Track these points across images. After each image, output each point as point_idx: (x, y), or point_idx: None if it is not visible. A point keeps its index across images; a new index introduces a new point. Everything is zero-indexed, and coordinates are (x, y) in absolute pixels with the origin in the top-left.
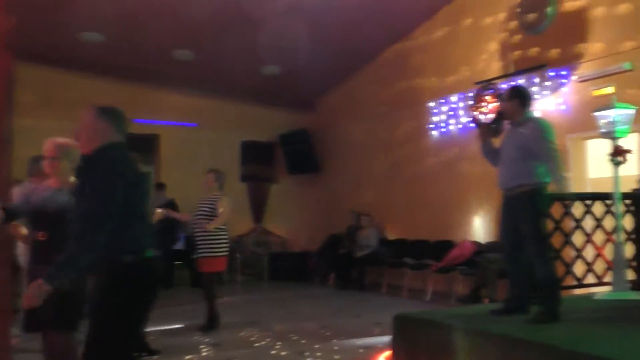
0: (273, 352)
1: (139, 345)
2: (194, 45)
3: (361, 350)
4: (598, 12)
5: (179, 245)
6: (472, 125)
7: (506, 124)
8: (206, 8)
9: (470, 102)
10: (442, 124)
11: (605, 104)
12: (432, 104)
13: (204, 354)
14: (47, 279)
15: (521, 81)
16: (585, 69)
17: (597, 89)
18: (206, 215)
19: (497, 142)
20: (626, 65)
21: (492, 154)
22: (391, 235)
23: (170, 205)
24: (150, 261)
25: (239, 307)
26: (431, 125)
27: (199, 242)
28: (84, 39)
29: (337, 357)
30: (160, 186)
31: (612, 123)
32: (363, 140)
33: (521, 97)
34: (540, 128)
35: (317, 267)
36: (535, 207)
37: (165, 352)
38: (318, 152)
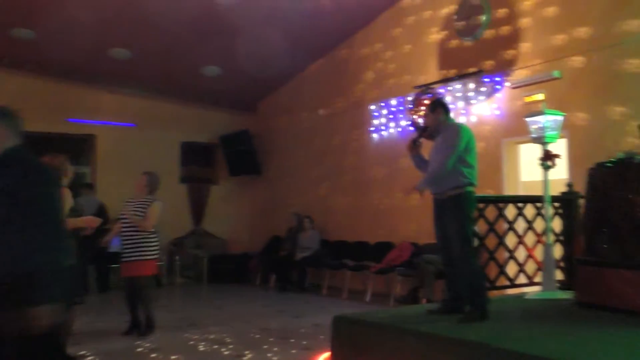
0: (212, 355)
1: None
2: (132, 44)
3: (301, 352)
4: (529, 20)
5: (115, 248)
6: (411, 128)
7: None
8: (144, 6)
9: (410, 106)
10: (383, 127)
11: (536, 110)
12: (372, 107)
13: (142, 359)
14: None
15: (458, 86)
16: (518, 75)
17: (529, 96)
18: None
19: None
20: (555, 73)
21: (422, 164)
22: (332, 237)
23: (100, 208)
24: (62, 270)
25: (178, 310)
26: (371, 129)
27: (126, 246)
28: (14, 35)
29: (276, 358)
30: (89, 187)
31: (542, 128)
32: (304, 142)
33: (442, 107)
34: (453, 131)
35: (257, 269)
36: (460, 210)
37: (104, 357)
38: (259, 154)
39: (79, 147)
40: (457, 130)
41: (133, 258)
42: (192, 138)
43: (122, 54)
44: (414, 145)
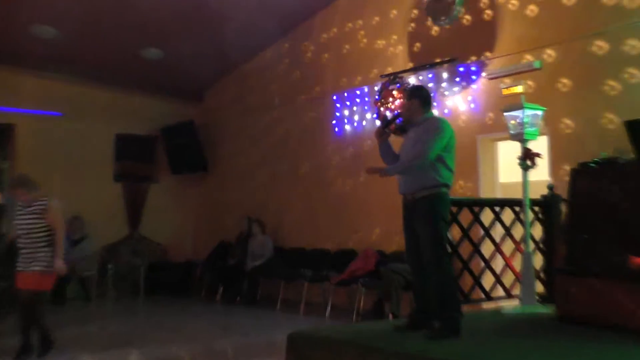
0: None
1: None
2: (58, 22)
3: None
4: (510, 5)
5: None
6: (378, 121)
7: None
8: None
9: (376, 97)
10: (346, 121)
11: (515, 103)
12: (334, 98)
13: None
14: None
15: (429, 76)
16: (495, 65)
17: (507, 88)
18: (32, 227)
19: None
20: (536, 64)
21: (390, 157)
22: (287, 244)
23: None
24: None
25: (109, 327)
26: (333, 122)
27: (24, 255)
28: None
29: None
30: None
31: (521, 124)
32: (257, 136)
33: (420, 97)
34: (436, 124)
35: (202, 280)
36: (433, 212)
37: None
38: (205, 149)
39: None
40: (440, 123)
41: (31, 268)
42: (128, 129)
43: (47, 32)
44: (385, 131)
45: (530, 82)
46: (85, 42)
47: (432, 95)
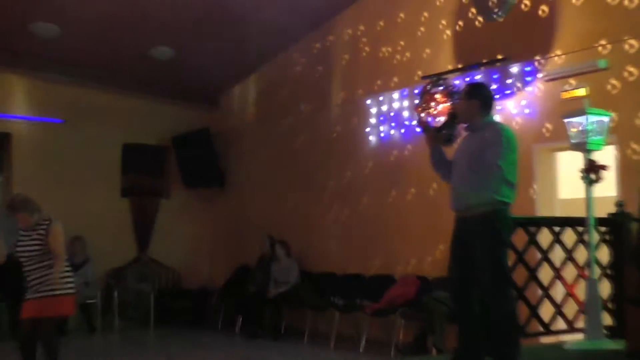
0: None
1: None
2: (60, 16)
3: None
4: None
5: None
6: (418, 129)
7: (461, 129)
8: None
9: (416, 101)
10: (381, 127)
11: (577, 109)
12: (368, 102)
13: None
14: None
15: (478, 77)
16: (553, 65)
17: (567, 91)
18: (37, 253)
19: (450, 151)
20: (601, 63)
21: (443, 166)
22: (315, 268)
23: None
24: None
25: None
26: (367, 129)
27: (30, 281)
28: None
29: None
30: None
31: (584, 132)
32: (280, 146)
33: (482, 97)
34: (501, 134)
35: (219, 309)
36: (494, 233)
37: None
38: (222, 160)
39: None
40: (505, 133)
41: (40, 294)
42: (136, 138)
43: (47, 30)
44: (439, 136)
45: (595, 83)
46: (89, 40)
47: (493, 96)
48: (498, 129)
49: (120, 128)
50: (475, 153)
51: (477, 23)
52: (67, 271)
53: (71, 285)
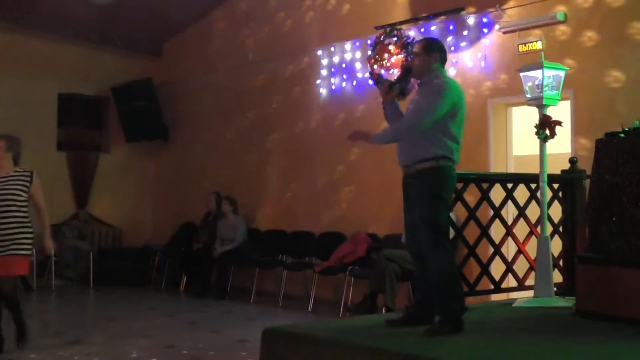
0: None
1: None
2: None
3: None
4: None
5: None
6: (371, 82)
7: (414, 83)
8: None
9: (369, 53)
10: (332, 79)
11: (533, 62)
12: (319, 53)
13: None
14: None
15: (433, 28)
16: (510, 16)
17: (524, 44)
18: (10, 202)
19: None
20: (559, 15)
21: (395, 119)
22: (263, 226)
23: None
24: None
25: (53, 323)
26: (318, 81)
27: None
28: None
29: None
30: None
31: (540, 87)
32: (227, 98)
33: (440, 52)
34: (438, 87)
35: (163, 268)
36: (430, 188)
37: None
38: (166, 112)
39: None
40: (444, 86)
41: (5, 253)
42: (73, 88)
43: None
44: (391, 90)
45: (552, 36)
46: None
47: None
48: (438, 83)
49: (56, 77)
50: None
51: None
52: (31, 229)
53: (30, 244)
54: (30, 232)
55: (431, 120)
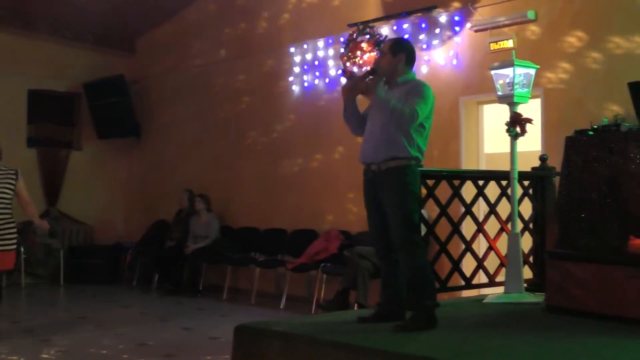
0: None
1: None
2: None
3: None
4: None
5: None
6: (344, 79)
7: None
8: None
9: (342, 50)
10: (305, 77)
11: (504, 60)
12: (292, 50)
13: None
14: None
15: (405, 26)
16: (482, 15)
17: (495, 42)
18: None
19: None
20: (530, 14)
21: (355, 119)
22: (236, 224)
23: None
24: None
25: (22, 320)
26: (291, 78)
27: None
28: None
29: None
30: None
31: (511, 85)
32: (200, 95)
33: (408, 52)
34: (421, 87)
35: (135, 265)
36: (403, 185)
37: None
38: (138, 110)
39: None
40: (425, 89)
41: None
42: (44, 85)
43: None
44: (354, 87)
45: (522, 35)
46: None
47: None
48: (419, 85)
49: (26, 73)
50: (395, 107)
51: None
52: (13, 225)
53: (14, 239)
54: (15, 227)
55: (418, 122)
